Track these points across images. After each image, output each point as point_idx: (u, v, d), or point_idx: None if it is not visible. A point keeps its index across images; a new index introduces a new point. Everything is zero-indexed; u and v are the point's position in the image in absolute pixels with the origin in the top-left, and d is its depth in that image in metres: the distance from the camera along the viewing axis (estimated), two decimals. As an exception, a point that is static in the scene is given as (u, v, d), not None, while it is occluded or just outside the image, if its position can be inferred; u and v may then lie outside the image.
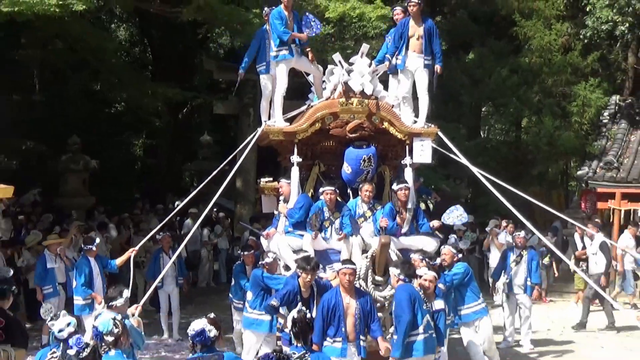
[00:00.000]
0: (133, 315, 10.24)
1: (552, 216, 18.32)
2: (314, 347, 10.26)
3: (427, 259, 12.46)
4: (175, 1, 22.00)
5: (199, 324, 8.22)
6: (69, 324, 8.75)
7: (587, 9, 27.08)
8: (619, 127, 28.20)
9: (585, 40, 29.35)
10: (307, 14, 14.93)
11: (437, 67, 14.13)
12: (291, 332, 8.78)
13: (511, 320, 17.43)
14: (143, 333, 9.97)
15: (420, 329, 10.95)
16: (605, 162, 26.29)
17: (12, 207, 22.39)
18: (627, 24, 26.44)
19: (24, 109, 29.23)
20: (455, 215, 13.81)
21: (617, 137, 27.58)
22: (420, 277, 11.62)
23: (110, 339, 8.32)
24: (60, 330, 8.70)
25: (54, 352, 8.41)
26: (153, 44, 33.58)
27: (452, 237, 18.90)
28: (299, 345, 8.65)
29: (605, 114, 29.44)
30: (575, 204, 28.38)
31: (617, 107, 29.23)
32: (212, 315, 8.50)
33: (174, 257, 15.83)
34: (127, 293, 10.04)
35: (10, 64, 26.19)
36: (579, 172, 27.97)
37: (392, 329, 11.29)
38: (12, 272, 17.90)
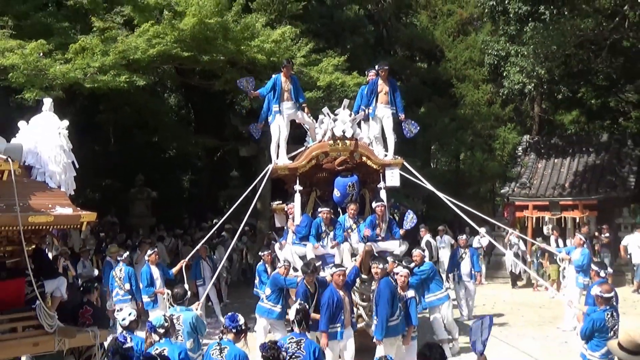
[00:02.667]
0: (196, 309, 10.37)
1: (482, 223, 18.29)
2: (323, 334, 10.66)
3: (402, 262, 12.41)
4: (209, 76, 22.02)
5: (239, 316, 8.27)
6: (130, 314, 8.97)
7: (504, 74, 27.11)
8: (529, 158, 28.19)
9: (503, 96, 29.38)
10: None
11: (401, 116, 14.42)
12: (294, 320, 8.63)
13: (463, 302, 17.53)
14: (205, 323, 10.03)
15: (396, 316, 10.95)
16: (520, 183, 26.30)
17: (97, 227, 22.36)
18: (533, 84, 26.46)
19: (103, 156, 29.20)
20: (409, 219, 13.93)
21: (528, 165, 27.59)
22: (397, 274, 11.69)
23: (161, 330, 8.46)
24: (123, 319, 8.90)
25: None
26: (195, 107, 33.51)
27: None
28: (300, 331, 8.50)
29: (519, 148, 29.49)
30: (499, 214, 28.35)
31: (527, 144, 29.25)
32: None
33: (224, 258, 16.29)
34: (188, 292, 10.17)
35: (92, 124, 26.19)
36: (502, 191, 28.06)
37: (374, 316, 11.20)
38: (96, 272, 17.97)
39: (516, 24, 25.62)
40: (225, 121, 29.89)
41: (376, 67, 14.74)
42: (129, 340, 7.88)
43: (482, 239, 21.83)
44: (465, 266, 17.56)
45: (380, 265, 11.17)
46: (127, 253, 16.15)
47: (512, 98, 30.38)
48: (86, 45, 16.81)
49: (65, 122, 9.46)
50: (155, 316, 8.89)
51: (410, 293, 11.70)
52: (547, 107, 35.41)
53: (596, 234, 22.82)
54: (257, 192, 14.64)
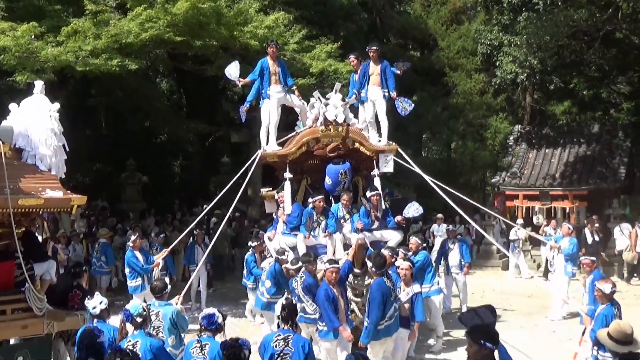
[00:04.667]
0: (176, 303, 9.72)
1: (473, 212, 18.31)
2: (341, 329, 10.10)
3: (403, 252, 12.09)
4: (202, 61, 21.97)
5: (209, 310, 7.88)
6: (101, 302, 8.47)
7: (497, 64, 27.11)
8: (520, 148, 28.28)
9: (496, 86, 29.43)
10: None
11: (393, 94, 13.68)
12: (280, 316, 8.05)
13: (448, 293, 17.12)
14: (187, 318, 9.45)
15: (387, 318, 10.11)
16: (511, 173, 26.41)
17: (86, 211, 22.31)
18: (525, 74, 26.49)
19: (95, 140, 29.15)
20: (413, 209, 13.29)
21: (519, 155, 27.68)
22: (398, 267, 11.27)
23: (139, 320, 7.88)
24: (94, 308, 8.42)
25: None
26: (187, 92, 33.48)
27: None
28: (286, 327, 7.92)
29: (511, 138, 29.58)
30: (490, 203, 28.39)
31: (519, 134, 29.33)
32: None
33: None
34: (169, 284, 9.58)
35: (84, 108, 26.10)
36: (493, 180, 28.18)
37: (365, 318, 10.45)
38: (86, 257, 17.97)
39: (509, 14, 25.65)
40: (217, 107, 29.89)
41: (366, 48, 14.11)
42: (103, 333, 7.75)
43: (519, 231, 21.67)
44: (454, 257, 16.93)
45: (373, 268, 10.25)
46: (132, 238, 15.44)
47: (504, 88, 30.42)
48: (78, 28, 16.72)
49: (57, 105, 9.43)
50: (135, 303, 8.37)
51: (416, 288, 11.26)
52: (539, 98, 35.46)
53: (585, 222, 22.94)
54: (247, 178, 14.09)
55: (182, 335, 9.18)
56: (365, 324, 10.16)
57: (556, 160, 26.98)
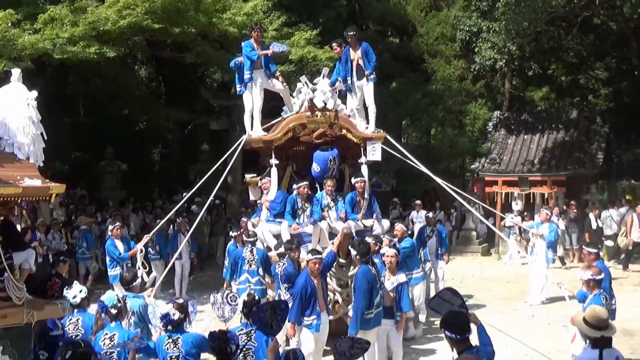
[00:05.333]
0: (149, 296, 9.68)
1: (452, 197, 18.30)
2: (291, 326, 9.74)
3: (388, 238, 11.86)
4: (180, 49, 21.89)
5: (165, 308, 7.57)
6: (80, 291, 8.37)
7: (476, 50, 27.17)
8: (499, 134, 28.35)
9: (475, 72, 29.56)
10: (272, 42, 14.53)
11: (367, 72, 13.27)
12: (242, 312, 7.88)
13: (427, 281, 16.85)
14: (156, 312, 8.96)
15: (375, 306, 9.80)
16: (490, 159, 26.51)
17: (65, 200, 22.19)
18: (504, 61, 26.58)
19: (73, 128, 28.94)
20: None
21: (498, 141, 27.75)
22: (384, 254, 10.77)
23: (114, 311, 7.74)
24: (74, 297, 8.33)
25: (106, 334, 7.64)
26: (166, 79, 33.32)
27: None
28: (248, 322, 7.71)
29: (490, 124, 29.61)
30: (469, 189, 28.51)
31: (498, 120, 29.38)
32: (180, 300, 7.82)
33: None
34: (140, 275, 9.33)
35: (62, 96, 25.95)
36: (472, 166, 28.30)
37: (350, 307, 10.28)
38: (66, 246, 17.89)
39: (488, 0, 25.69)
40: (196, 94, 29.77)
41: (344, 34, 13.84)
42: (59, 326, 7.65)
43: (515, 218, 21.59)
44: (432, 245, 15.96)
45: (358, 256, 10.03)
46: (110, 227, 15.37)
47: (483, 74, 30.54)
48: (55, 16, 16.62)
49: (34, 93, 9.34)
50: (110, 294, 8.07)
51: (402, 278, 10.66)
52: (518, 84, 35.58)
53: (565, 208, 23.10)
54: (228, 165, 14.00)
55: (152, 329, 9.04)
56: (351, 314, 9.94)
57: (535, 146, 27.11)
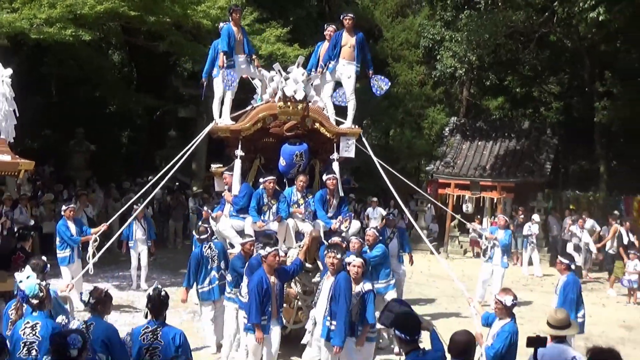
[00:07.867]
0: (66, 290, 9.22)
1: (407, 197, 18.38)
2: (256, 327, 8.92)
3: (360, 239, 10.78)
4: (154, 37, 21.74)
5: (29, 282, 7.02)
6: (28, 277, 7.49)
7: (438, 57, 27.31)
8: (455, 139, 28.63)
9: (435, 79, 29.76)
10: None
11: (369, 72, 12.77)
12: (147, 308, 7.10)
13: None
14: (67, 308, 8.62)
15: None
16: (444, 162, 26.77)
17: (33, 176, 21.94)
18: (464, 70, 26.71)
19: (45, 107, 28.57)
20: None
21: (453, 146, 28.04)
22: (349, 263, 8.98)
23: (35, 301, 6.95)
24: (21, 281, 7.48)
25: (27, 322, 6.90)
26: (138, 66, 33.11)
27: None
28: (153, 319, 7.02)
29: (446, 129, 29.92)
30: (423, 189, 28.65)
31: (454, 125, 29.68)
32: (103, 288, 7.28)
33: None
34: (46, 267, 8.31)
35: (36, 75, 25.65)
36: (427, 168, 28.62)
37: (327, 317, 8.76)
38: (32, 221, 17.66)
39: (452, 11, 25.94)
40: (166, 82, 29.63)
41: (341, 16, 12.75)
42: None
43: (533, 226, 21.51)
44: (393, 248, 14.03)
45: (339, 255, 8.86)
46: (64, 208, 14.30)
47: (443, 81, 30.76)
48: (34, -4, 16.41)
49: (9, 71, 9.26)
50: (30, 283, 7.17)
51: (367, 286, 9.02)
52: (475, 92, 35.90)
53: (513, 214, 23.39)
54: (190, 150, 12.91)
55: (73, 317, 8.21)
56: (332, 325, 8.66)
57: (487, 153, 27.40)
